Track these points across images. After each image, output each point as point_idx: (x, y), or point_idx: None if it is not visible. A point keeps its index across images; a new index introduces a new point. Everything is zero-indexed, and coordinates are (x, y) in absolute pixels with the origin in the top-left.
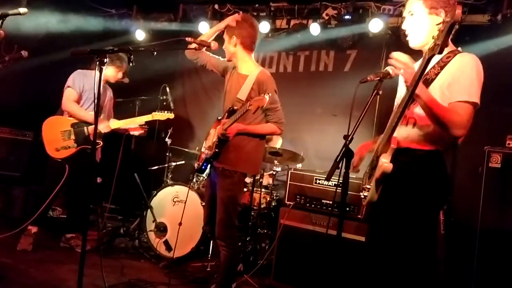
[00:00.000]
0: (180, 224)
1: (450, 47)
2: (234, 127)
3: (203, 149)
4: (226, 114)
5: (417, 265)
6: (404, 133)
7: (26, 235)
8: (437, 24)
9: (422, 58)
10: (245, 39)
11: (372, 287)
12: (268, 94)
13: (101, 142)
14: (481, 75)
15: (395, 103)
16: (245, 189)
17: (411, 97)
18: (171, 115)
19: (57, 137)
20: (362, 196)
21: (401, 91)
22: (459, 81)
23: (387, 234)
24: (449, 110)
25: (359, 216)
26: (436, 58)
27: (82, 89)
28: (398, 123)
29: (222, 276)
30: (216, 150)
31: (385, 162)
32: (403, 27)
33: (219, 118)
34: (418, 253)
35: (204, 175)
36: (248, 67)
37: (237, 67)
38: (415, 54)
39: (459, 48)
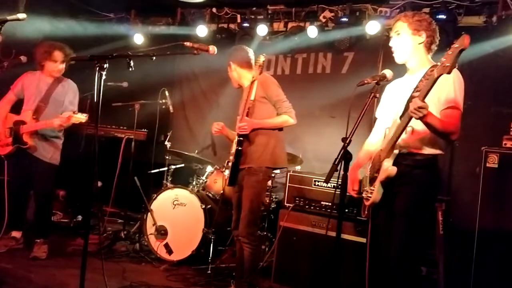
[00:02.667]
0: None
1: (431, 62)
2: (249, 122)
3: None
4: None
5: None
6: (405, 140)
7: (5, 237)
8: (419, 44)
9: (407, 73)
10: (242, 62)
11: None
12: (263, 54)
13: (28, 142)
14: (462, 83)
15: (394, 117)
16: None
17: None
18: (82, 118)
19: (4, 133)
20: (365, 197)
21: (395, 104)
22: (445, 90)
23: (388, 232)
24: (446, 122)
25: (362, 217)
26: (422, 73)
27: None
28: (399, 136)
29: (248, 273)
30: (239, 147)
31: (390, 166)
32: (390, 44)
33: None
34: (412, 249)
35: (204, 178)
36: (250, 79)
37: (243, 85)
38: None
39: (438, 62)
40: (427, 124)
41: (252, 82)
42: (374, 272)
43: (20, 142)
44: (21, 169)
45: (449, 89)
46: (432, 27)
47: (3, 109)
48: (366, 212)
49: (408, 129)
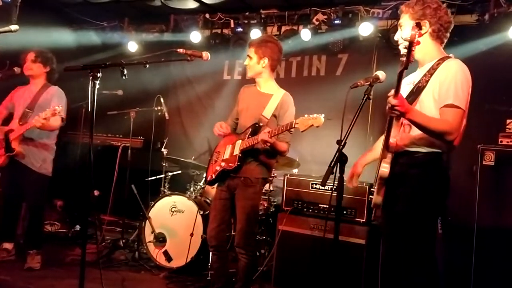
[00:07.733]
0: (191, 234)
1: (441, 54)
2: (273, 140)
3: (214, 161)
4: (250, 129)
5: (417, 264)
6: (402, 137)
7: None
8: (423, 34)
9: (418, 69)
10: (274, 61)
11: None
12: (323, 115)
13: (15, 148)
14: (466, 79)
15: None
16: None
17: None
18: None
19: (1, 144)
20: (370, 199)
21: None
22: (444, 86)
23: (392, 234)
24: (437, 121)
25: (356, 219)
26: (428, 66)
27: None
28: (389, 135)
29: (241, 282)
30: (239, 163)
31: (382, 167)
32: (395, 38)
33: (237, 132)
34: (418, 251)
35: (205, 184)
36: (271, 87)
37: (259, 85)
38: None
39: (451, 54)
40: (411, 122)
41: (268, 94)
42: (371, 273)
43: (9, 149)
44: (13, 179)
45: (449, 84)
46: (438, 13)
47: None
48: (374, 215)
49: (407, 126)
